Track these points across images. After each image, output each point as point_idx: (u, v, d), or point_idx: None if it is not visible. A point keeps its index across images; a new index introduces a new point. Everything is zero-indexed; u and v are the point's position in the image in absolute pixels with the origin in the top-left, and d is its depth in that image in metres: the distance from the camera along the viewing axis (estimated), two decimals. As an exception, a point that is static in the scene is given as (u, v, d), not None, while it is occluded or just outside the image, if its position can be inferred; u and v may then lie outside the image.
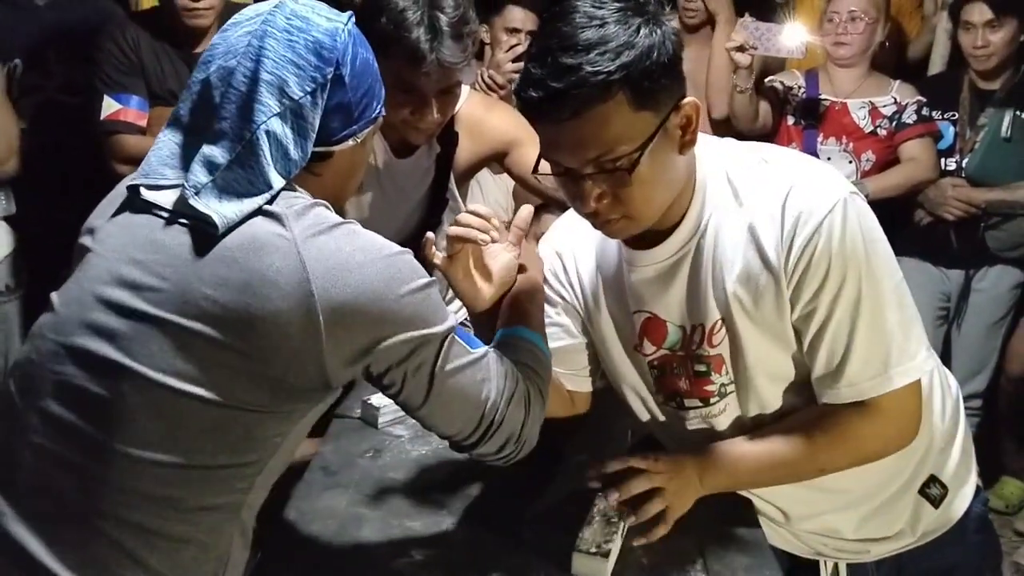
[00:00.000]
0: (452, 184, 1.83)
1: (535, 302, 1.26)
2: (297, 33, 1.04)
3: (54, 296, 1.08)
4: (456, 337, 1.08)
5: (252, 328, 0.97)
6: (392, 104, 1.18)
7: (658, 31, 1.08)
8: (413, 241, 1.84)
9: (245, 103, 1.02)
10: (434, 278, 1.08)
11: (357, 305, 0.99)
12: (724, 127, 2.81)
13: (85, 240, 1.08)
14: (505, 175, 2.02)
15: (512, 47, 2.32)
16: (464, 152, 1.81)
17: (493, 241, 1.23)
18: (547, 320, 1.34)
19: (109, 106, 2.29)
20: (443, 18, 1.52)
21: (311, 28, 1.05)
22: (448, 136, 1.77)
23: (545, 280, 1.34)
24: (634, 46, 1.06)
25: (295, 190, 1.05)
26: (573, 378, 1.38)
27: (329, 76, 1.04)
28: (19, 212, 2.53)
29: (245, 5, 2.61)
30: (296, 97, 1.03)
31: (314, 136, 1.04)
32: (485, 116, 1.80)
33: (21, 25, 2.56)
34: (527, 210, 1.29)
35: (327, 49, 1.05)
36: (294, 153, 1.03)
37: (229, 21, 1.10)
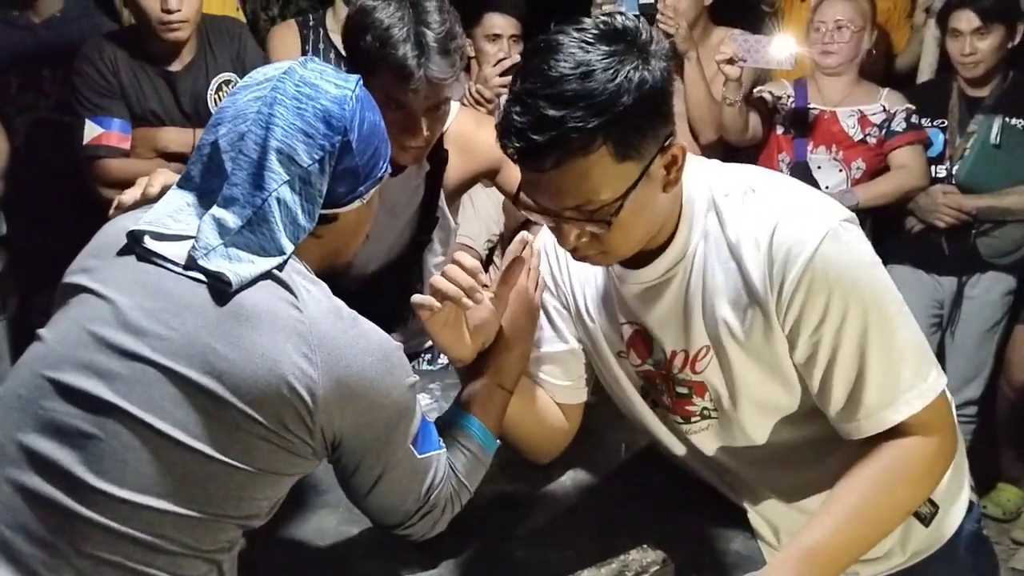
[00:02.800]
0: (442, 202, 1.82)
1: (506, 376, 1.26)
2: (306, 101, 1.06)
3: (44, 332, 1.07)
4: (418, 436, 1.13)
5: (255, 390, 0.99)
6: None
7: (647, 75, 1.04)
8: (403, 260, 1.85)
9: (256, 170, 1.04)
10: (418, 378, 1.13)
11: (351, 389, 1.04)
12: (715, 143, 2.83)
13: (79, 279, 1.07)
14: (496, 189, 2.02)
15: (499, 61, 2.32)
16: (454, 170, 1.79)
17: (477, 303, 1.20)
18: (542, 325, 1.34)
19: (91, 130, 2.26)
20: (430, 34, 1.51)
21: (320, 96, 1.07)
22: (438, 154, 1.76)
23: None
24: (619, 101, 1.02)
25: (297, 254, 1.07)
26: (568, 390, 1.37)
27: (337, 144, 1.06)
28: (8, 233, 2.53)
29: (221, 18, 2.61)
30: (305, 165, 1.05)
31: (321, 201, 1.07)
32: (475, 133, 1.79)
33: (17, 43, 2.56)
34: (519, 267, 1.25)
35: (335, 118, 1.06)
36: (302, 219, 1.06)
37: (239, 84, 1.12)
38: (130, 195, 1.24)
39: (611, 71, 1.03)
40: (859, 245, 1.14)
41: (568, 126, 1.02)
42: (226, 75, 2.37)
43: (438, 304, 1.18)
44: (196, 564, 1.02)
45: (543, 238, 1.35)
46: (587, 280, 1.31)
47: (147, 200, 1.21)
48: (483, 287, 1.21)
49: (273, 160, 1.04)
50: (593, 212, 1.07)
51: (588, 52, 1.04)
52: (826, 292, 1.10)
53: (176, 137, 2.32)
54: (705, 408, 1.25)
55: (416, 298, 1.19)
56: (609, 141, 1.03)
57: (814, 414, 1.21)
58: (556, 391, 1.37)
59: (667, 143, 1.09)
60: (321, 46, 2.59)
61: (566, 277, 1.33)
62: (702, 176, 1.20)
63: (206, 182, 1.07)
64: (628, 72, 1.03)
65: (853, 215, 1.18)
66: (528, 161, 1.06)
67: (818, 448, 1.25)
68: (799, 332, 1.13)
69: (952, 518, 1.33)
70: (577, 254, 1.15)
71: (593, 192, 1.06)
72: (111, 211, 1.24)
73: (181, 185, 1.10)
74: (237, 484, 1.02)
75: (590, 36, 1.05)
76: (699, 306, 1.19)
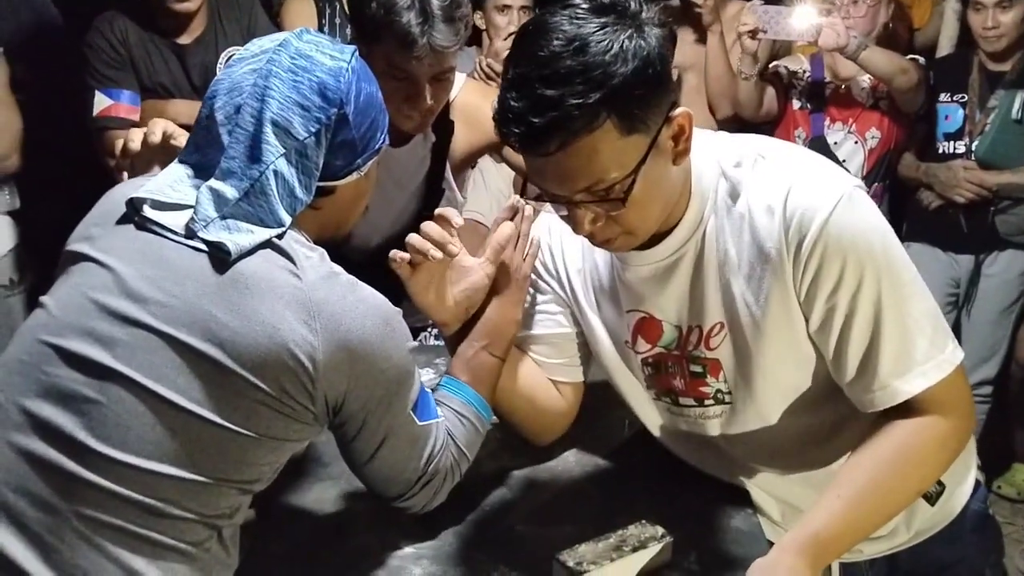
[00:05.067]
0: (448, 174, 1.82)
1: (497, 343, 1.26)
2: (302, 73, 1.06)
3: (46, 299, 1.08)
4: (418, 404, 1.14)
5: (256, 357, 1.00)
6: (385, 92, 1.18)
7: (643, 43, 1.02)
8: (408, 232, 1.83)
9: (253, 143, 1.04)
10: (417, 343, 1.11)
11: (351, 353, 1.04)
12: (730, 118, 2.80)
13: (81, 247, 1.08)
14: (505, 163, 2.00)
15: (510, 35, 2.30)
16: (460, 141, 1.79)
17: (452, 256, 1.20)
18: (536, 308, 1.33)
19: (100, 102, 2.26)
20: (434, 2, 1.51)
21: (315, 68, 1.06)
22: (444, 125, 1.75)
23: (534, 268, 1.32)
24: (617, 72, 0.99)
25: (295, 226, 1.07)
26: (563, 368, 1.36)
27: (333, 116, 1.06)
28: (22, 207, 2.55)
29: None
30: (301, 138, 1.05)
31: (318, 174, 1.07)
32: (481, 104, 1.78)
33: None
34: (508, 228, 1.26)
35: (331, 90, 1.06)
36: (300, 192, 1.06)
37: (235, 56, 1.12)
38: (135, 140, 1.26)
39: (605, 42, 1.00)
40: (872, 211, 1.13)
41: (568, 104, 0.99)
42: (236, 48, 2.36)
43: (407, 256, 1.18)
44: (197, 529, 1.03)
45: (540, 228, 1.33)
46: (585, 272, 1.29)
47: (151, 148, 1.22)
48: (483, 256, 1.20)
49: (269, 133, 1.04)
50: (606, 191, 1.05)
51: (580, 27, 1.01)
52: (841, 257, 1.08)
53: (185, 110, 2.31)
54: (719, 391, 1.23)
55: (391, 254, 1.19)
56: (613, 114, 1.00)
57: (828, 395, 1.19)
58: (550, 369, 1.36)
59: (671, 113, 1.06)
60: (337, 20, 2.58)
61: (562, 270, 1.32)
62: (709, 149, 1.17)
63: (204, 154, 1.07)
64: (623, 42, 1.01)
65: (862, 183, 1.16)
66: (531, 147, 1.03)
67: (830, 431, 1.24)
68: (815, 297, 1.11)
69: (958, 497, 1.32)
70: (596, 240, 1.12)
71: (603, 170, 1.03)
72: (118, 158, 1.26)
73: (181, 159, 1.11)
74: (239, 449, 1.03)
75: (580, 11, 1.03)
76: (712, 282, 1.17)
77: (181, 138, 1.24)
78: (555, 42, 1.01)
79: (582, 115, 0.99)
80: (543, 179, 1.07)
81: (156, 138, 1.24)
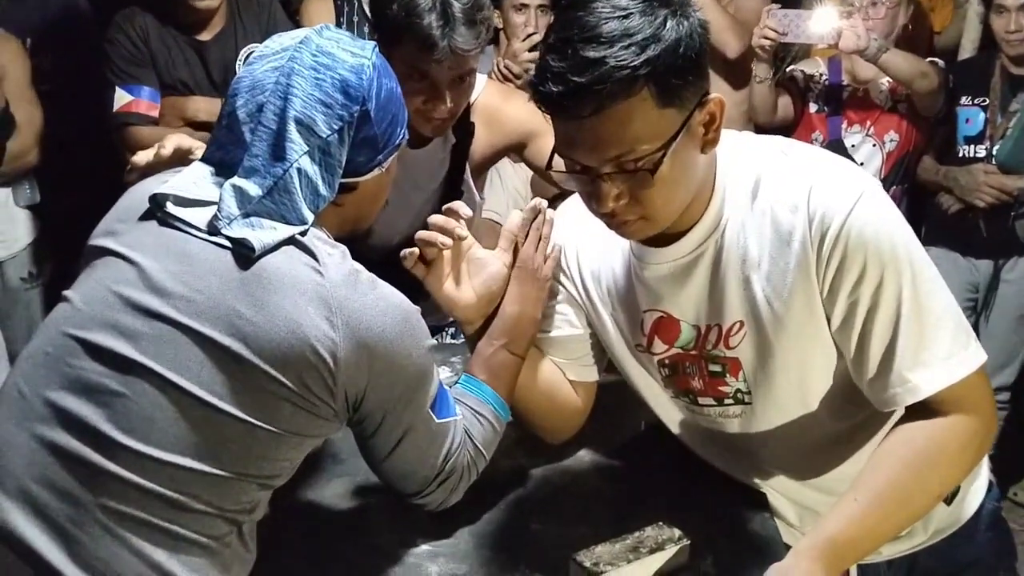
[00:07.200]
0: (468, 175, 1.81)
1: (516, 341, 1.27)
2: (324, 71, 1.06)
3: (70, 292, 1.09)
4: (436, 401, 1.14)
5: (278, 353, 1.01)
6: (405, 94, 1.18)
7: (684, 23, 1.03)
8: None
9: (276, 141, 1.05)
10: (435, 341, 1.13)
11: (371, 350, 1.05)
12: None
13: (104, 241, 1.09)
14: (524, 164, 2.00)
15: (528, 35, 2.30)
16: (480, 143, 1.78)
17: (461, 239, 1.22)
18: (548, 308, 1.33)
19: (121, 98, 2.29)
20: (456, 4, 1.51)
21: (337, 65, 1.07)
22: (464, 126, 1.75)
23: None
24: (660, 39, 1.01)
25: (317, 222, 1.08)
26: (576, 367, 1.36)
27: (356, 114, 1.07)
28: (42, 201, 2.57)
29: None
30: (324, 136, 1.06)
31: (341, 171, 1.08)
32: (502, 106, 1.78)
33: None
34: (516, 216, 1.27)
35: (353, 87, 1.07)
36: (323, 189, 1.07)
37: (255, 53, 1.12)
38: (143, 156, 1.25)
39: (650, 14, 1.03)
40: (891, 208, 1.13)
41: (610, 65, 1.00)
42: (255, 46, 2.37)
43: (416, 251, 1.22)
44: (218, 524, 1.04)
45: (558, 233, 1.33)
46: (601, 273, 1.29)
47: (160, 161, 1.22)
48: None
49: (292, 131, 1.05)
50: (635, 162, 1.05)
51: None
52: (862, 252, 1.09)
53: (204, 106, 2.33)
54: (739, 391, 1.23)
55: (403, 252, 1.22)
56: (651, 83, 1.01)
57: (850, 398, 1.18)
58: (566, 367, 1.36)
59: (704, 98, 1.07)
60: (355, 19, 2.58)
61: (576, 271, 1.32)
62: (732, 148, 1.17)
63: (226, 152, 1.08)
64: (666, 16, 1.03)
65: (878, 182, 1.17)
66: (566, 108, 1.03)
67: (850, 435, 1.23)
68: (837, 291, 1.11)
69: (973, 497, 1.32)
70: (616, 220, 1.12)
71: (635, 139, 1.03)
72: (126, 172, 1.25)
73: (204, 157, 1.11)
74: (260, 444, 1.03)
75: None
76: (732, 279, 1.16)
77: (199, 152, 1.24)
78: (600, 8, 1.03)
79: (622, 79, 1.00)
80: (574, 147, 1.07)
81: (167, 152, 1.23)
